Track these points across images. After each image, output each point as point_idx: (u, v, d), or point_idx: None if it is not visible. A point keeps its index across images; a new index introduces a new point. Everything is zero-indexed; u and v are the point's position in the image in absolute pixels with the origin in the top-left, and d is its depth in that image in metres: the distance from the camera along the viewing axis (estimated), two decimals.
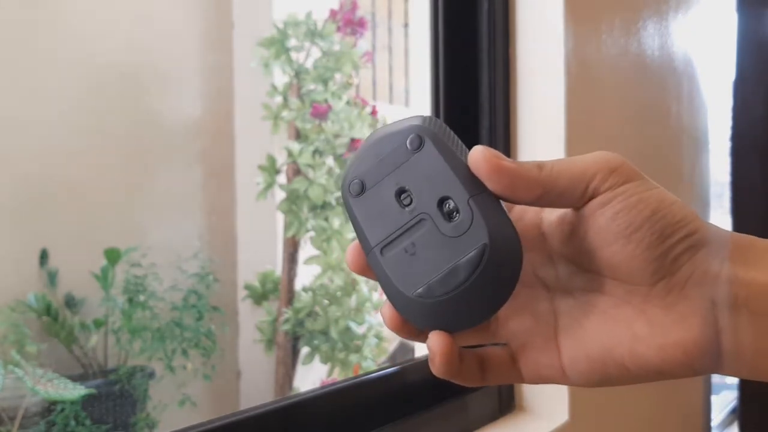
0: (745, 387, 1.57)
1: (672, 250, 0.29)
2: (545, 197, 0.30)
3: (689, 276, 0.29)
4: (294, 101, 2.15)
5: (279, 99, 2.20)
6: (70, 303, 1.86)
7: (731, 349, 0.29)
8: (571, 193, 0.30)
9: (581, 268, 0.32)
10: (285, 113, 2.15)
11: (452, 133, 0.32)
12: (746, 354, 0.29)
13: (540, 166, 0.30)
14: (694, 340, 0.29)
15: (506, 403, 0.84)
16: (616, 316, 0.30)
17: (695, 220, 0.29)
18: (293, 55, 2.17)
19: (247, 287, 2.30)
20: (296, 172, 2.13)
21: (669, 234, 0.29)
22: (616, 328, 0.30)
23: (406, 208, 0.30)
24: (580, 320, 0.31)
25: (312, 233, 2.14)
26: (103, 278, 1.83)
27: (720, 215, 1.78)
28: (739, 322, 0.29)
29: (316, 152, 2.12)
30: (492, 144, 0.83)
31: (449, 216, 0.29)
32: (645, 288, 0.29)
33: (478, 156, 0.29)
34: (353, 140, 2.14)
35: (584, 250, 0.31)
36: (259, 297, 2.28)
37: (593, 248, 0.30)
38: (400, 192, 0.30)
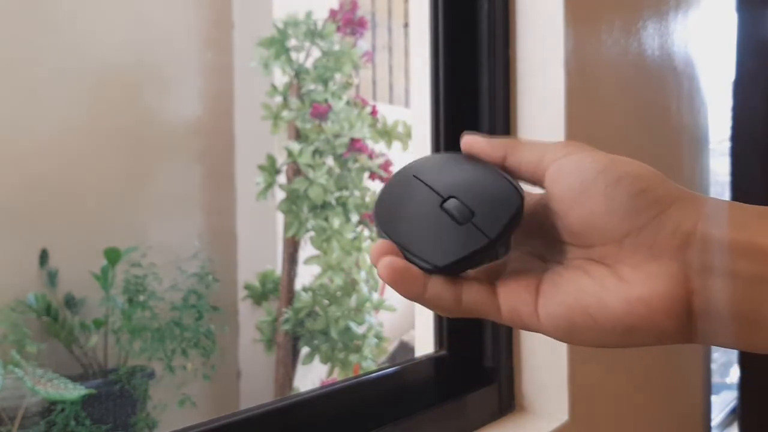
0: (745, 387, 1.57)
1: (630, 203, 0.29)
2: (510, 157, 0.34)
3: (656, 235, 0.29)
4: (294, 101, 2.15)
5: (279, 99, 2.20)
6: (70, 303, 1.86)
7: (704, 312, 0.29)
8: (530, 158, 0.33)
9: (568, 243, 0.33)
10: (285, 113, 2.15)
11: None
12: (722, 319, 0.28)
13: (510, 138, 0.35)
14: (659, 296, 0.29)
15: (506, 403, 0.84)
16: (591, 271, 0.31)
17: (654, 177, 0.30)
18: (293, 55, 2.17)
19: (247, 287, 2.30)
20: (296, 172, 2.13)
21: (621, 187, 0.29)
22: (589, 280, 0.31)
23: None
24: (561, 272, 0.32)
25: (312, 233, 2.14)
26: (103, 278, 1.83)
27: None
28: (714, 284, 0.28)
29: (316, 152, 2.12)
30: None
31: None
32: (614, 247, 0.30)
33: (462, 142, 0.35)
34: (353, 140, 2.14)
35: (559, 223, 0.32)
36: (259, 297, 2.28)
37: (562, 218, 0.31)
38: None
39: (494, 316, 0.32)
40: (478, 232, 0.32)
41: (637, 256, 0.29)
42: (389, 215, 0.34)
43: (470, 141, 0.35)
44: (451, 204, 0.33)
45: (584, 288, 0.30)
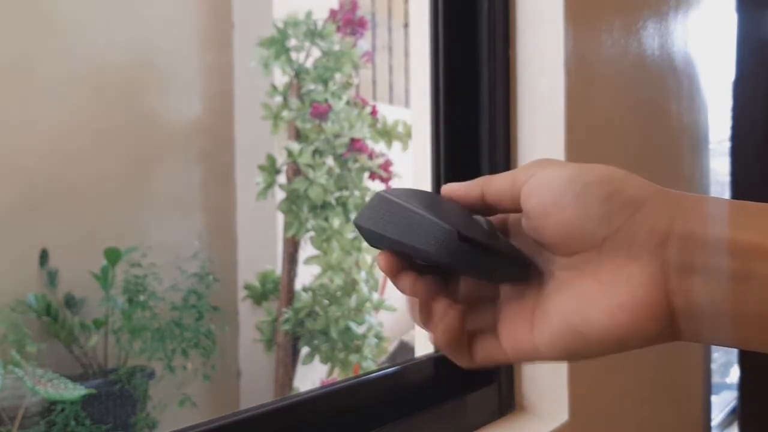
0: (745, 387, 1.57)
1: (601, 208, 0.29)
2: (487, 194, 0.34)
3: (633, 236, 0.29)
4: (294, 101, 2.15)
5: (279, 99, 2.20)
6: (70, 303, 1.86)
7: (686, 311, 0.28)
8: (501, 185, 0.33)
9: (551, 253, 0.33)
10: (285, 113, 2.15)
11: None
12: (705, 317, 0.28)
13: (483, 177, 0.35)
14: (639, 301, 0.29)
15: (506, 403, 0.84)
16: (576, 286, 0.31)
17: (623, 178, 0.30)
18: (293, 55, 2.17)
19: (247, 287, 2.30)
20: (296, 172, 2.13)
21: (591, 193, 0.30)
22: (573, 297, 0.31)
23: None
24: (551, 296, 0.32)
25: (312, 233, 2.14)
26: (103, 278, 1.83)
27: None
28: (694, 282, 0.28)
29: (316, 152, 2.12)
30: (492, 145, 0.83)
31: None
32: (595, 253, 0.30)
33: (443, 191, 0.35)
34: (353, 140, 2.14)
35: (539, 238, 0.32)
36: (259, 297, 2.28)
37: (540, 232, 0.32)
38: None
39: (505, 361, 0.34)
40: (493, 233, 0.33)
41: (617, 259, 0.29)
42: (386, 219, 0.32)
43: (449, 189, 0.36)
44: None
45: (570, 309, 0.31)
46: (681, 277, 0.28)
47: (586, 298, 0.30)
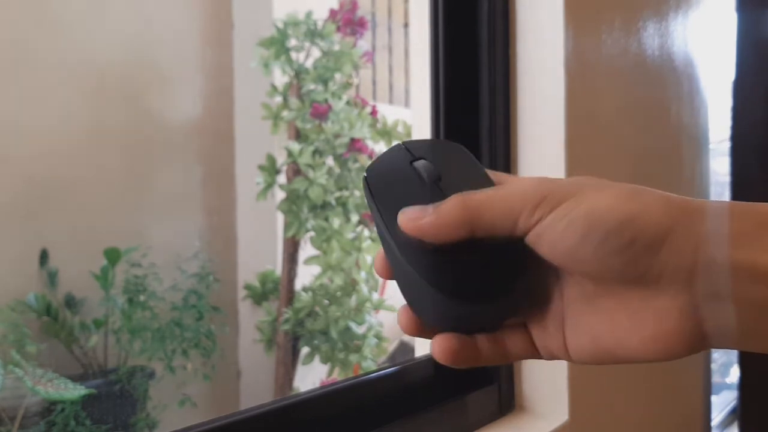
0: (745, 387, 1.57)
1: (623, 257, 0.29)
2: (478, 232, 0.30)
3: (660, 274, 0.29)
4: (294, 101, 2.15)
5: (279, 99, 2.20)
6: (70, 303, 1.86)
7: (717, 335, 0.29)
8: (502, 226, 0.30)
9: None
10: (285, 113, 2.15)
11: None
12: (735, 339, 0.29)
13: (465, 205, 0.30)
14: (671, 332, 0.29)
15: (506, 403, 0.84)
16: (606, 310, 0.31)
17: (645, 217, 0.29)
18: (293, 55, 2.17)
19: (247, 287, 2.30)
20: (296, 172, 2.13)
21: (611, 244, 0.29)
22: (604, 321, 0.31)
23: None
24: (582, 313, 0.32)
25: (312, 233, 2.14)
26: (103, 278, 1.83)
27: None
28: (722, 308, 0.28)
29: (316, 152, 2.12)
30: (492, 145, 0.83)
31: None
32: (621, 287, 0.30)
33: (401, 222, 0.31)
34: (353, 140, 2.14)
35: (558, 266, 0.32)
36: (259, 297, 2.28)
37: (560, 266, 0.32)
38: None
39: (536, 357, 0.35)
40: None
41: (645, 292, 0.29)
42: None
43: (413, 225, 0.31)
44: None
45: (601, 331, 0.31)
46: (710, 305, 0.29)
47: (616, 325, 0.30)
